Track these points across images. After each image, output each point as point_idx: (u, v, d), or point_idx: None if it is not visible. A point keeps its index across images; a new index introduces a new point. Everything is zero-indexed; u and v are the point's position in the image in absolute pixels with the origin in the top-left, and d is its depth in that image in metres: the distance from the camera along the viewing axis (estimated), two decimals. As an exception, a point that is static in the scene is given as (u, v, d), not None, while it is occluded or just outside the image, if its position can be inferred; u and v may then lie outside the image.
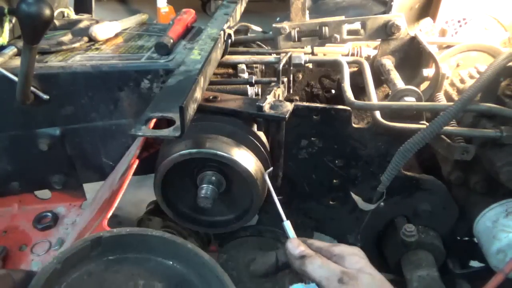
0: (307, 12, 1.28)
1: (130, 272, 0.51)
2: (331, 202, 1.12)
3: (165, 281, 0.51)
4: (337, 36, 1.09)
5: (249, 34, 1.32)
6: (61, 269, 0.46)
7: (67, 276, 0.48)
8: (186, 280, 0.52)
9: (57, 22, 1.19)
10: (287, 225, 0.70)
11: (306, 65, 1.13)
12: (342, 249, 0.65)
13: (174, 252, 0.52)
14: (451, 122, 0.96)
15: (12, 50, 1.00)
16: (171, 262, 0.53)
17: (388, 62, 1.12)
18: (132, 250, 0.52)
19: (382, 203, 1.04)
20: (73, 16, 1.29)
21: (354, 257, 0.63)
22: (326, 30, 1.09)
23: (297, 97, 1.21)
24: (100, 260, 0.51)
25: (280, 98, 0.92)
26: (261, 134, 0.87)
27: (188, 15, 1.18)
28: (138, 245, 0.52)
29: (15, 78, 0.89)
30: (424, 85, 1.10)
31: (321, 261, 0.62)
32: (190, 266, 0.53)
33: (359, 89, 1.09)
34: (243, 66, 1.05)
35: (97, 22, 1.18)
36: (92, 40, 1.11)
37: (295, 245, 0.67)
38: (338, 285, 0.58)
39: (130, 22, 1.25)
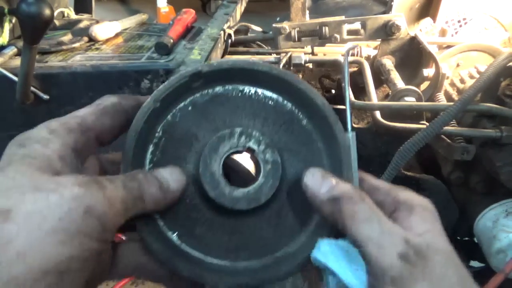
0: (307, 12, 1.28)
1: (235, 105, 0.47)
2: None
3: (272, 116, 0.47)
4: (337, 36, 1.09)
5: (249, 34, 1.32)
6: (161, 106, 0.45)
7: (171, 107, 0.47)
8: (294, 118, 0.47)
9: (57, 22, 1.19)
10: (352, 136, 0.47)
11: (306, 65, 1.13)
12: (409, 196, 0.42)
13: (282, 88, 0.47)
14: (451, 122, 0.96)
15: (12, 50, 1.00)
16: (280, 98, 0.47)
17: (388, 62, 1.12)
18: (238, 83, 0.47)
19: (382, 203, 1.04)
20: (73, 16, 1.29)
21: (427, 213, 0.40)
22: (326, 30, 1.09)
23: (297, 97, 1.21)
24: (205, 91, 0.47)
25: (280, 98, 0.92)
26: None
27: (188, 15, 1.18)
28: (244, 78, 0.47)
29: (15, 78, 0.89)
30: (424, 85, 1.11)
31: (369, 210, 0.38)
32: (298, 105, 0.47)
33: (359, 89, 1.09)
34: (243, 66, 1.05)
35: (97, 22, 1.18)
36: (92, 40, 1.11)
37: (319, 177, 0.41)
38: (399, 263, 0.35)
39: (130, 22, 1.25)
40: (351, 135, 0.45)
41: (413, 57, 1.11)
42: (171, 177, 0.41)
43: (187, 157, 0.46)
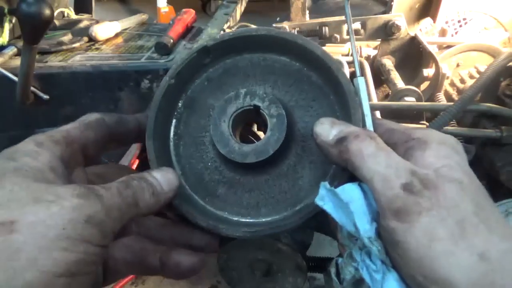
0: (307, 12, 1.28)
1: (246, 74, 0.50)
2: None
3: (281, 78, 0.49)
4: (337, 36, 1.09)
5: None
6: (176, 82, 0.49)
7: (188, 85, 0.51)
8: (303, 76, 0.49)
9: (57, 22, 1.19)
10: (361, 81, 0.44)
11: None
12: (427, 132, 0.38)
13: (285, 48, 0.49)
14: (451, 122, 0.96)
15: (12, 50, 1.00)
16: (288, 59, 0.49)
17: (388, 62, 1.12)
18: (246, 52, 0.50)
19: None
20: (73, 16, 1.29)
21: (443, 147, 0.36)
22: (326, 30, 1.09)
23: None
24: (217, 65, 0.51)
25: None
26: (261, 135, 0.87)
27: (188, 15, 1.18)
28: (249, 46, 0.50)
29: (15, 78, 0.89)
30: (424, 85, 1.11)
31: (376, 146, 0.36)
32: (304, 61, 0.49)
33: (359, 89, 1.09)
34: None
35: (97, 22, 1.18)
36: (92, 40, 1.11)
37: (328, 125, 0.40)
38: (403, 193, 0.33)
39: (130, 22, 1.24)
40: (359, 80, 0.44)
41: (413, 57, 1.11)
42: (163, 179, 0.42)
43: (206, 126, 0.49)
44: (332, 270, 0.39)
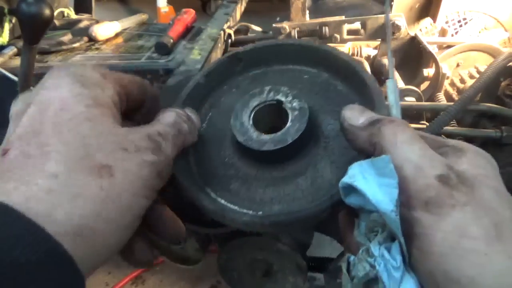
0: (307, 12, 1.28)
1: (273, 82, 0.52)
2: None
3: (307, 87, 0.51)
4: (337, 36, 1.09)
5: (249, 34, 1.32)
6: (205, 83, 0.52)
7: (217, 89, 0.54)
8: (330, 85, 0.50)
9: (57, 22, 1.19)
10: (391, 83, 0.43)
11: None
12: (461, 142, 0.37)
13: (312, 58, 0.51)
14: (451, 122, 0.96)
15: (12, 50, 1.00)
16: (315, 70, 0.52)
17: (388, 62, 1.12)
18: (276, 63, 0.53)
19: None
20: (73, 16, 1.29)
21: (479, 157, 0.35)
22: (326, 30, 1.09)
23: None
24: (246, 74, 0.54)
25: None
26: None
27: (188, 15, 1.18)
28: (279, 57, 0.53)
29: (15, 78, 0.89)
30: (424, 85, 1.11)
31: (411, 134, 0.34)
32: (331, 71, 0.50)
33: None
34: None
35: (97, 22, 1.18)
36: (92, 40, 1.11)
37: (358, 110, 0.38)
38: (437, 183, 0.30)
39: (130, 22, 1.25)
40: (391, 82, 0.43)
41: (413, 57, 1.11)
42: (195, 116, 0.45)
43: (229, 126, 0.49)
44: (344, 265, 0.37)
